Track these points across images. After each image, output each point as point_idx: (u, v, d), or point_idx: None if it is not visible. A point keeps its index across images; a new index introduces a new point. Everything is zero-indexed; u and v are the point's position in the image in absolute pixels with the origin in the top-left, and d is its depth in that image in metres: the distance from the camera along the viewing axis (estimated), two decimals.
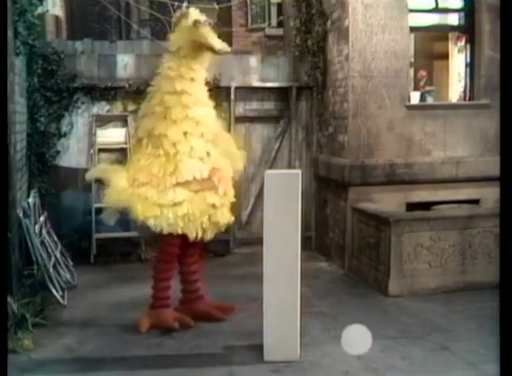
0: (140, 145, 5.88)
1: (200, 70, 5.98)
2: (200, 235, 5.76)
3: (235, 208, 6.13)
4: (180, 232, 5.64)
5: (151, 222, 5.56)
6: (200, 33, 5.79)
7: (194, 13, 5.93)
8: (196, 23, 5.78)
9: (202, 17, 5.88)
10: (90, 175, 6.34)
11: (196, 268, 6.17)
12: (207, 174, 5.70)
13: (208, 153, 5.80)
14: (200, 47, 5.86)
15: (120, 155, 8.93)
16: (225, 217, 5.91)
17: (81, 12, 15.02)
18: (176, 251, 5.87)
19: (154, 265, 6.00)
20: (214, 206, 5.73)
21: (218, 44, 5.86)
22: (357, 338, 5.56)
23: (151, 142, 5.75)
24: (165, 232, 5.60)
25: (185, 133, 5.72)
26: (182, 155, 5.65)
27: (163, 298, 5.92)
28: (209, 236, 5.87)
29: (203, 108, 5.92)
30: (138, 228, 6.06)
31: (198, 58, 5.92)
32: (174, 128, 5.70)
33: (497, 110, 7.76)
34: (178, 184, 5.61)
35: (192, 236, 5.71)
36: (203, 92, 6.00)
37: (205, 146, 5.80)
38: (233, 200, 5.99)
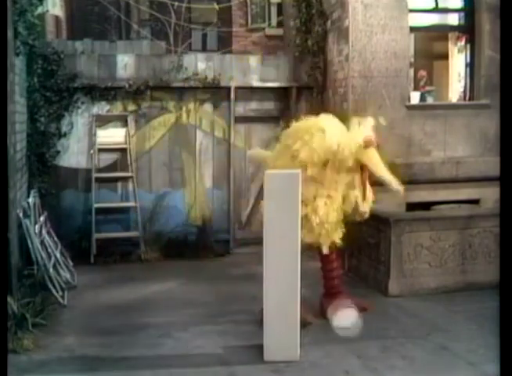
0: None
1: None
2: None
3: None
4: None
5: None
6: (371, 158, 5.82)
7: (368, 127, 5.94)
8: (367, 144, 5.77)
9: (372, 136, 5.84)
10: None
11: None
12: None
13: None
14: (358, 164, 5.87)
15: (120, 155, 8.96)
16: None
17: (81, 12, 15.03)
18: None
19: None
20: None
21: (396, 183, 5.93)
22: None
23: None
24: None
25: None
26: None
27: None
28: None
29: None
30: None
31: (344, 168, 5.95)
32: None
33: (497, 110, 7.76)
34: None
35: None
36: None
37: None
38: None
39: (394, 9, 7.90)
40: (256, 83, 9.24)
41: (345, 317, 5.89)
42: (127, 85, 8.79)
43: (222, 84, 9.08)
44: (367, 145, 5.76)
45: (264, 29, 14.90)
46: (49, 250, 7.06)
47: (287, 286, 5.10)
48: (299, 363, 5.11)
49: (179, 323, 6.06)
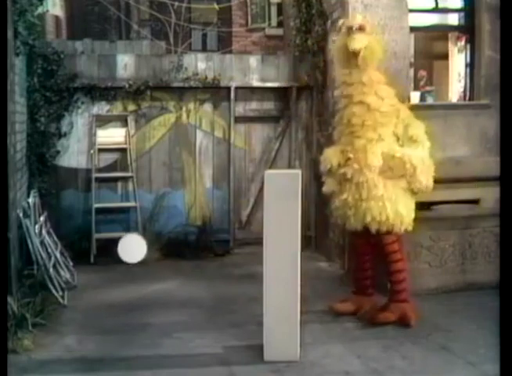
0: None
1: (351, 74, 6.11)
2: None
3: None
4: None
5: None
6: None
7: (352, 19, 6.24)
8: (349, 29, 6.05)
9: (355, 22, 6.09)
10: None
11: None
12: None
13: None
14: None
15: (120, 155, 8.96)
16: None
17: (81, 12, 15.07)
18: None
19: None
20: None
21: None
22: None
23: None
24: None
25: None
26: None
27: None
28: None
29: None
30: None
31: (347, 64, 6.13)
32: None
33: (497, 110, 7.75)
34: None
35: None
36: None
37: None
38: None
39: (394, 9, 7.88)
40: (256, 83, 9.24)
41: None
42: (127, 85, 8.79)
43: (222, 84, 9.09)
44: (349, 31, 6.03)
45: (264, 29, 14.92)
46: (49, 250, 7.06)
47: (287, 286, 5.10)
48: (299, 363, 5.11)
49: (179, 323, 6.07)
